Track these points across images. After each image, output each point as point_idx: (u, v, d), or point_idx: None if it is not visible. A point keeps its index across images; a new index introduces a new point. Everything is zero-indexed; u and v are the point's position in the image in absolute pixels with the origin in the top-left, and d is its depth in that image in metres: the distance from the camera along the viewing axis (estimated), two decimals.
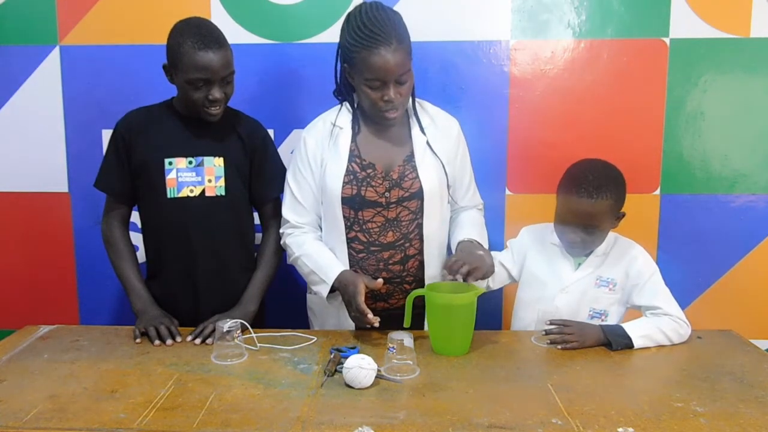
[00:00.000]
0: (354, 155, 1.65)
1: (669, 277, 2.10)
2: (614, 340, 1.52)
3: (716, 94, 2.07)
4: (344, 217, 1.65)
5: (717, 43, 2.04)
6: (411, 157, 1.66)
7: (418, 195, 1.65)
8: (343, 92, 1.69)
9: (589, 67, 2.08)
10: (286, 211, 1.71)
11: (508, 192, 2.15)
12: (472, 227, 1.72)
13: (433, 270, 1.69)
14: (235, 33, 2.07)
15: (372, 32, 1.51)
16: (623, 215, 1.66)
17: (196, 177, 1.69)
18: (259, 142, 1.77)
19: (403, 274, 1.68)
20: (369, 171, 1.64)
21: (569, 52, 2.08)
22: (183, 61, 1.57)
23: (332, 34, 2.08)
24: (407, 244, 1.67)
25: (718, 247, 2.13)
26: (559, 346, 1.53)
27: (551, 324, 1.58)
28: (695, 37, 2.04)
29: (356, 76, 1.58)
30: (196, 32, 1.58)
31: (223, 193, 1.71)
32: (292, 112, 2.11)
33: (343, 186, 1.62)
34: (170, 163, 1.68)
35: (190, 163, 1.69)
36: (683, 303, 2.12)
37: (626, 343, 1.53)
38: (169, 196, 1.69)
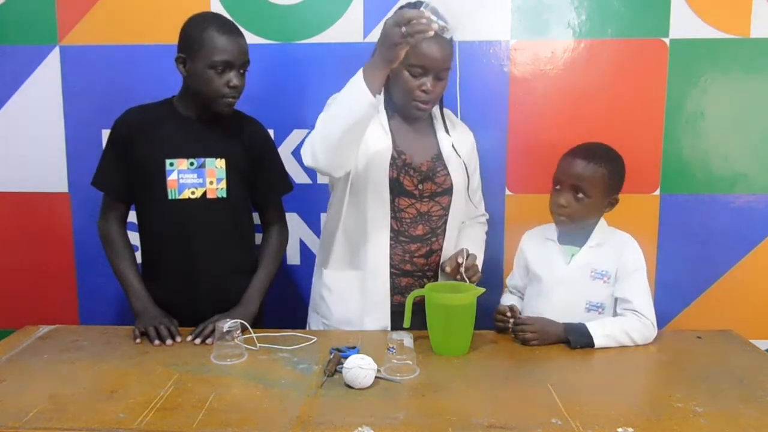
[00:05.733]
0: (391, 139, 1.67)
1: (669, 277, 2.12)
2: (574, 339, 1.53)
3: (716, 95, 2.07)
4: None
5: (717, 44, 2.04)
6: (439, 155, 1.71)
7: (449, 192, 1.69)
8: None
9: (589, 68, 2.08)
10: None
11: (508, 192, 2.15)
12: (470, 242, 1.76)
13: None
14: None
15: None
16: (616, 201, 1.66)
17: (197, 179, 1.68)
18: (261, 143, 1.77)
19: (425, 268, 1.70)
20: (403, 158, 1.66)
21: (569, 52, 2.08)
22: (206, 45, 1.58)
23: (332, 34, 2.09)
24: (433, 239, 1.70)
25: (718, 247, 2.13)
26: (519, 341, 1.57)
27: (514, 323, 1.60)
28: (695, 37, 2.04)
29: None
30: (218, 20, 1.63)
31: (225, 195, 1.70)
32: (293, 112, 2.11)
33: (389, 167, 1.63)
34: (171, 164, 1.67)
35: (192, 164, 1.68)
36: (683, 303, 2.15)
37: (586, 342, 1.53)
38: (170, 197, 1.68)
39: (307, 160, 1.56)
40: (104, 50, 2.12)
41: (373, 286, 1.68)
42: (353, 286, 1.70)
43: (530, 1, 2.06)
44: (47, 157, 2.19)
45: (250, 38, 2.07)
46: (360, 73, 1.47)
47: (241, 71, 1.64)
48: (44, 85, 2.15)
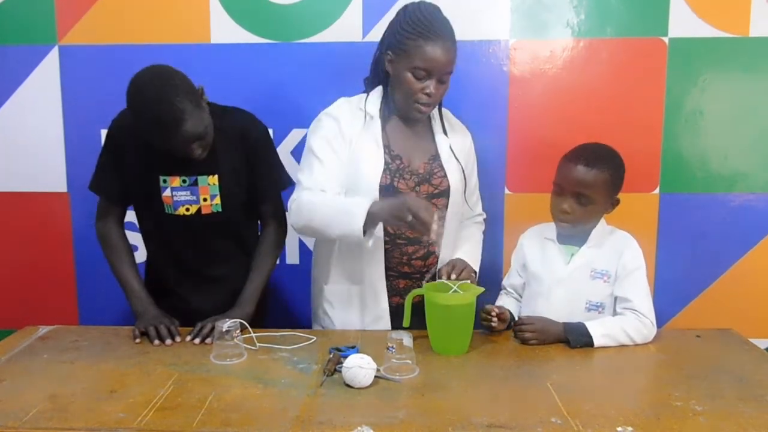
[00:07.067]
0: (384, 144, 1.66)
1: (669, 277, 2.12)
2: (573, 338, 1.54)
3: (715, 94, 2.07)
4: None
5: (716, 43, 2.04)
6: (437, 156, 1.71)
7: (446, 193, 1.69)
8: (376, 81, 1.70)
9: (589, 67, 2.08)
10: (306, 178, 1.64)
11: (507, 192, 2.15)
12: (468, 245, 1.78)
13: None
14: (235, 33, 2.08)
15: (433, 25, 1.57)
16: (618, 202, 1.66)
17: (191, 196, 1.66)
18: (254, 141, 1.71)
19: (422, 270, 1.70)
20: (398, 162, 1.66)
21: (568, 52, 2.08)
22: (153, 141, 1.53)
23: (332, 34, 2.09)
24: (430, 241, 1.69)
25: (718, 247, 2.13)
26: (519, 340, 1.58)
27: (517, 323, 1.60)
28: (694, 36, 2.04)
29: (401, 64, 1.59)
30: (155, 122, 1.48)
31: (220, 210, 1.69)
32: (292, 112, 2.11)
33: (382, 173, 1.63)
34: (165, 181, 1.65)
35: (184, 182, 1.65)
36: (683, 302, 2.16)
37: (586, 341, 1.53)
38: (166, 211, 1.67)
39: (291, 219, 1.66)
40: (104, 50, 2.12)
41: (370, 293, 1.68)
42: (353, 296, 1.70)
43: (530, 1, 2.06)
44: (46, 157, 2.19)
45: (250, 38, 2.08)
46: (367, 206, 1.50)
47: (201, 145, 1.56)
48: (43, 85, 2.15)
